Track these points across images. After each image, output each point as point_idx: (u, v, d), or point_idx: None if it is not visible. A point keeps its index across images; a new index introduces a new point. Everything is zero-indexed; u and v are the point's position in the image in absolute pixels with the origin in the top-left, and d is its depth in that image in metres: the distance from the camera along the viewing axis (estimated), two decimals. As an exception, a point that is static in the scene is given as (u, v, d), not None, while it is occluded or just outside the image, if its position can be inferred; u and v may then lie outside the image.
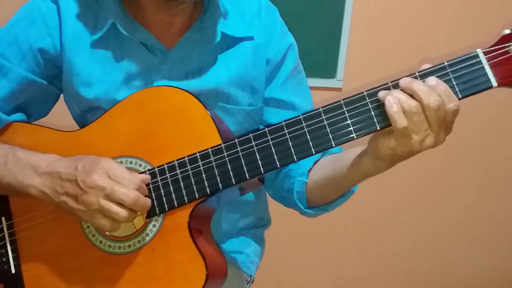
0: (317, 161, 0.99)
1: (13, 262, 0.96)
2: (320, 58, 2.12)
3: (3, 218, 0.97)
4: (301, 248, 2.38)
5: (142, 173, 0.89)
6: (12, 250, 0.96)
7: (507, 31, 0.74)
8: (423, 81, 0.74)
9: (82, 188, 0.80)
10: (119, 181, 0.81)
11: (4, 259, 0.96)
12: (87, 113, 1.01)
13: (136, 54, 0.97)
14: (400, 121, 0.72)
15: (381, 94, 0.76)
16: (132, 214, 0.82)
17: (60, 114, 1.11)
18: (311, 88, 1.11)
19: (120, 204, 0.80)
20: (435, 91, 0.72)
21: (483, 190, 2.35)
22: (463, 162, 2.30)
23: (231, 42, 0.99)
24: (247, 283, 1.18)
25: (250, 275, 1.19)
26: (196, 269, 0.84)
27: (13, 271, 0.95)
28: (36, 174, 0.86)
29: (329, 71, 2.14)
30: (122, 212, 0.80)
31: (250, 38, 1.00)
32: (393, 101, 0.73)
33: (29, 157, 0.88)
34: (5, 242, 0.96)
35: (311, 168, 0.98)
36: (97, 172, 0.80)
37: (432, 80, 0.73)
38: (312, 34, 2.09)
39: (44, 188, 0.86)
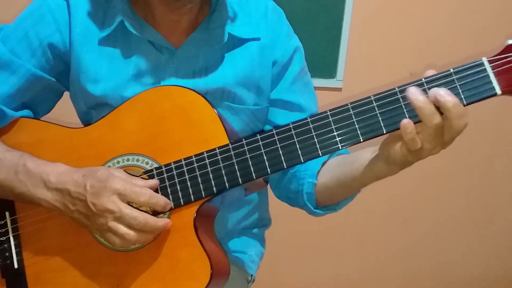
0: (325, 162, 1.00)
1: (16, 257, 0.96)
2: (320, 58, 2.13)
3: (6, 213, 0.97)
4: (301, 248, 2.39)
5: (149, 171, 0.90)
6: (15, 245, 0.96)
7: (511, 41, 0.75)
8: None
9: (92, 210, 0.83)
10: (131, 199, 0.83)
11: (7, 254, 0.96)
12: (92, 110, 1.01)
13: (143, 52, 0.97)
14: (436, 117, 0.73)
15: (413, 94, 0.74)
16: (143, 235, 0.84)
17: (61, 111, 1.11)
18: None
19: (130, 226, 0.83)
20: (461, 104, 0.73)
21: (483, 189, 2.37)
22: (463, 162, 2.31)
23: (237, 42, 1.00)
24: (248, 283, 1.19)
25: (251, 275, 1.19)
26: (201, 267, 0.84)
27: (16, 266, 0.96)
28: (47, 188, 0.87)
29: (329, 71, 2.15)
30: (130, 235, 0.82)
31: (257, 39, 1.01)
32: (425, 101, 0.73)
33: (39, 168, 0.89)
34: (9, 237, 0.96)
35: (319, 169, 0.99)
36: (106, 195, 0.82)
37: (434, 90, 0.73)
38: (312, 34, 2.10)
39: (56, 203, 0.87)
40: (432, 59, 2.11)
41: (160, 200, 0.85)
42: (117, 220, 0.82)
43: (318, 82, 2.12)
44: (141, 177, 0.89)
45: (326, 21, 2.10)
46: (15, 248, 0.96)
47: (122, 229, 0.82)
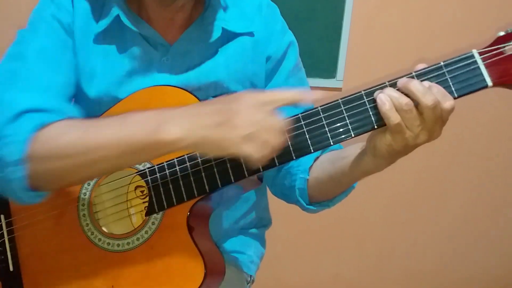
0: (317, 157, 1.00)
1: (11, 260, 0.96)
2: (320, 58, 2.13)
3: (1, 216, 0.97)
4: (301, 248, 2.39)
5: (141, 171, 0.89)
6: (10, 248, 0.96)
7: (502, 33, 0.75)
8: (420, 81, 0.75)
9: (230, 115, 0.72)
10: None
11: (2, 257, 0.96)
12: (85, 110, 1.00)
13: (138, 48, 0.97)
14: (392, 117, 0.74)
15: (376, 93, 0.78)
16: (280, 144, 0.74)
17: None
18: (311, 88, 1.12)
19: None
20: (430, 91, 0.73)
21: (483, 189, 2.36)
22: (463, 162, 2.31)
23: (231, 37, 1.00)
24: (247, 283, 1.18)
25: (251, 275, 1.19)
26: (195, 266, 0.84)
27: (11, 269, 0.95)
28: (166, 118, 0.74)
29: (329, 71, 2.15)
30: (275, 138, 0.72)
31: (250, 34, 1.01)
32: (385, 98, 0.74)
33: (150, 111, 0.78)
34: (4, 240, 0.96)
35: (311, 165, 0.99)
36: (243, 100, 0.73)
37: (426, 83, 0.75)
38: (312, 34, 2.10)
39: (184, 124, 0.73)
40: (433, 59, 2.09)
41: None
42: (258, 124, 0.71)
43: (318, 82, 2.12)
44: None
45: (326, 21, 2.10)
46: (10, 251, 0.96)
47: (263, 135, 0.72)
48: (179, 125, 0.72)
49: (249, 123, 0.71)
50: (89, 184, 0.94)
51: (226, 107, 0.73)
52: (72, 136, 0.78)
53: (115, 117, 0.79)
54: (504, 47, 0.74)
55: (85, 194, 0.94)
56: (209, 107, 0.74)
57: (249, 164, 0.77)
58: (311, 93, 0.76)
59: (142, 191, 0.92)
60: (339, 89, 2.17)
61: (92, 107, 0.99)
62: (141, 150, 0.75)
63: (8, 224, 0.97)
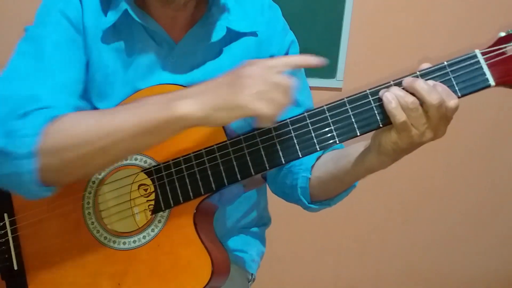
0: (319, 156, 1.00)
1: (16, 258, 0.96)
2: (320, 58, 2.12)
3: (5, 215, 0.97)
4: (301, 248, 2.38)
5: (147, 169, 0.90)
6: (14, 246, 0.96)
7: (503, 34, 0.77)
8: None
9: (240, 77, 0.76)
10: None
11: (6, 256, 0.96)
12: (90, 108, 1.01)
13: (144, 46, 0.97)
14: (398, 116, 0.75)
15: (381, 92, 0.79)
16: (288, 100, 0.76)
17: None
18: (311, 88, 1.12)
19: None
20: (435, 89, 0.74)
21: (483, 189, 2.36)
22: (463, 162, 2.31)
23: (234, 37, 1.01)
24: (249, 282, 1.19)
25: (252, 274, 1.20)
26: (202, 264, 0.85)
27: (15, 267, 0.95)
28: (177, 96, 0.77)
29: (329, 71, 2.15)
30: (284, 96, 0.75)
31: (254, 33, 1.02)
32: (391, 97, 0.75)
33: (161, 94, 0.79)
34: (8, 239, 0.96)
35: (314, 164, 0.99)
36: (250, 66, 0.77)
37: (431, 82, 0.76)
38: (312, 34, 2.10)
39: (194, 98, 0.76)
40: (434, 59, 2.10)
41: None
42: (266, 82, 0.75)
43: (318, 82, 2.12)
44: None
45: (326, 21, 2.10)
46: (15, 250, 0.96)
47: (276, 85, 0.75)
48: (189, 99, 0.75)
49: (259, 82, 0.74)
50: (94, 183, 0.94)
51: (234, 74, 0.76)
52: (84, 125, 0.79)
53: (125, 104, 0.80)
54: (505, 47, 0.75)
55: (90, 192, 0.94)
56: (217, 80, 0.77)
57: (261, 123, 0.77)
58: (314, 59, 0.79)
59: (145, 189, 0.92)
60: (339, 89, 2.17)
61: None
62: (154, 128, 0.76)
63: (12, 223, 0.97)
